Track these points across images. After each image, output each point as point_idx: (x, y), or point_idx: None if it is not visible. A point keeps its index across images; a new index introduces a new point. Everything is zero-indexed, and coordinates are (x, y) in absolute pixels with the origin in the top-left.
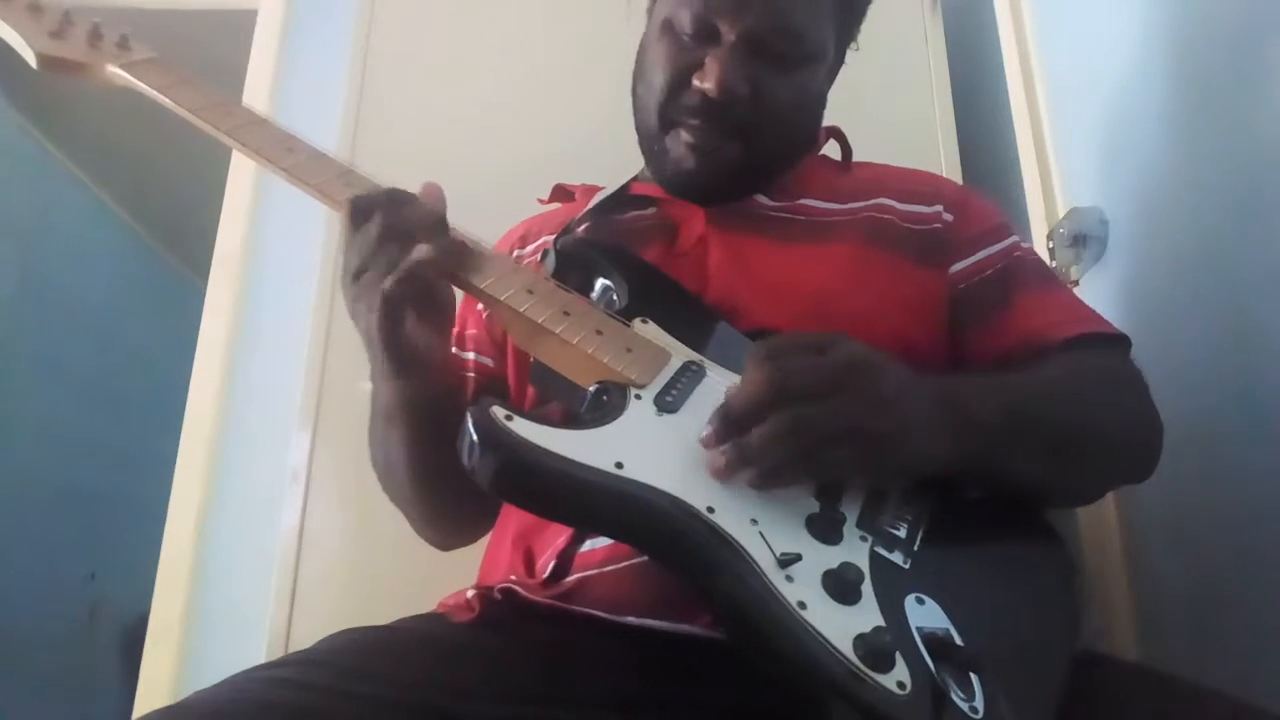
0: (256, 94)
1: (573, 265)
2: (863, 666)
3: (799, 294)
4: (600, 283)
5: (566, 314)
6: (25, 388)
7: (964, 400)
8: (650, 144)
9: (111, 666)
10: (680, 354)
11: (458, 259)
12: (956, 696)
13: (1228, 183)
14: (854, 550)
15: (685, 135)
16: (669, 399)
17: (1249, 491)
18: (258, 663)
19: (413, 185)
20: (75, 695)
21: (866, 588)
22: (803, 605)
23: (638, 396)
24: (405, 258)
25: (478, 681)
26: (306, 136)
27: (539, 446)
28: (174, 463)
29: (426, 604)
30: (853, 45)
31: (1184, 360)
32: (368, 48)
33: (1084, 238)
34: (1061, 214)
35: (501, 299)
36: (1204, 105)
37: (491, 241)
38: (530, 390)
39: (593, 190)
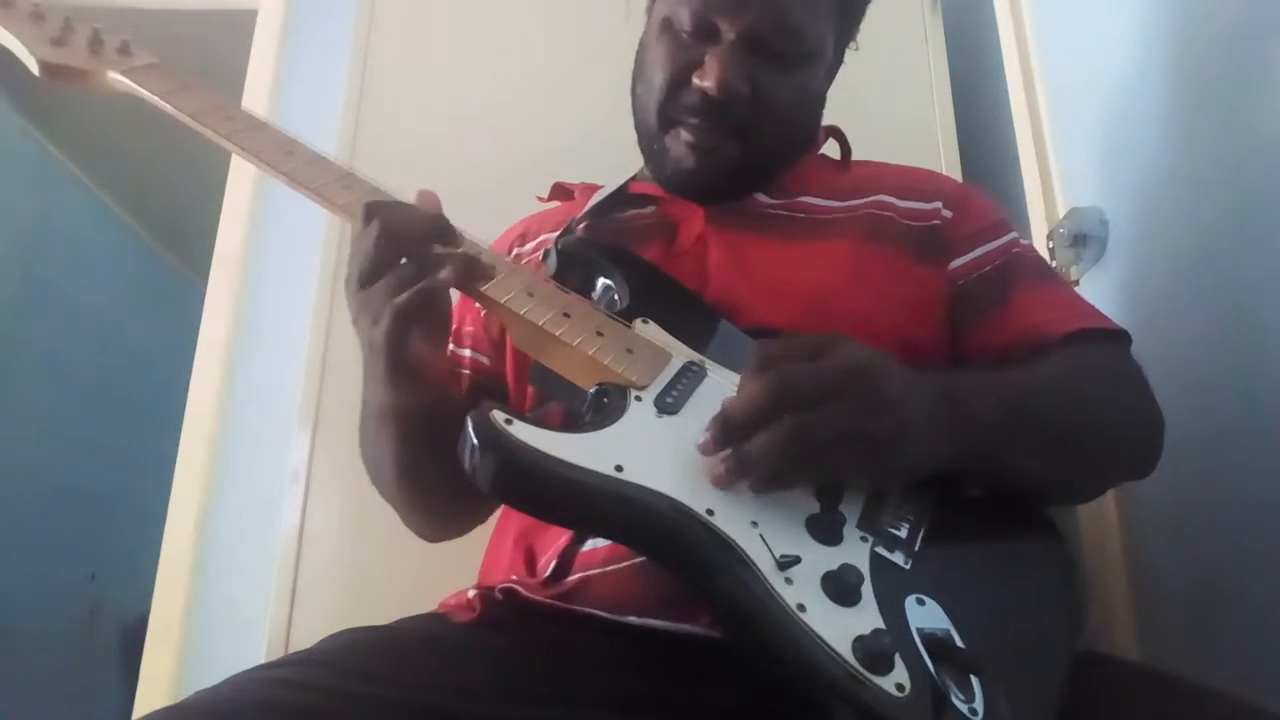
0: (256, 94)
1: (574, 265)
2: (861, 669)
3: (799, 292)
4: (601, 282)
5: (567, 316)
6: (25, 388)
7: (963, 398)
8: (650, 143)
9: (111, 666)
10: (681, 354)
11: (470, 273)
12: (956, 698)
13: (1227, 182)
14: (854, 551)
15: (685, 134)
16: (669, 400)
17: (1249, 490)
18: (258, 663)
19: (413, 185)
20: (75, 695)
21: (866, 589)
22: (802, 608)
23: (638, 398)
24: (418, 272)
25: (479, 681)
26: (306, 137)
27: (539, 450)
28: (174, 463)
29: (426, 604)
30: (852, 45)
31: (1184, 360)
32: (368, 48)
33: (1084, 238)
34: (1061, 214)
35: (502, 302)
36: (1204, 105)
37: (490, 241)
38: (530, 390)
39: (592, 189)
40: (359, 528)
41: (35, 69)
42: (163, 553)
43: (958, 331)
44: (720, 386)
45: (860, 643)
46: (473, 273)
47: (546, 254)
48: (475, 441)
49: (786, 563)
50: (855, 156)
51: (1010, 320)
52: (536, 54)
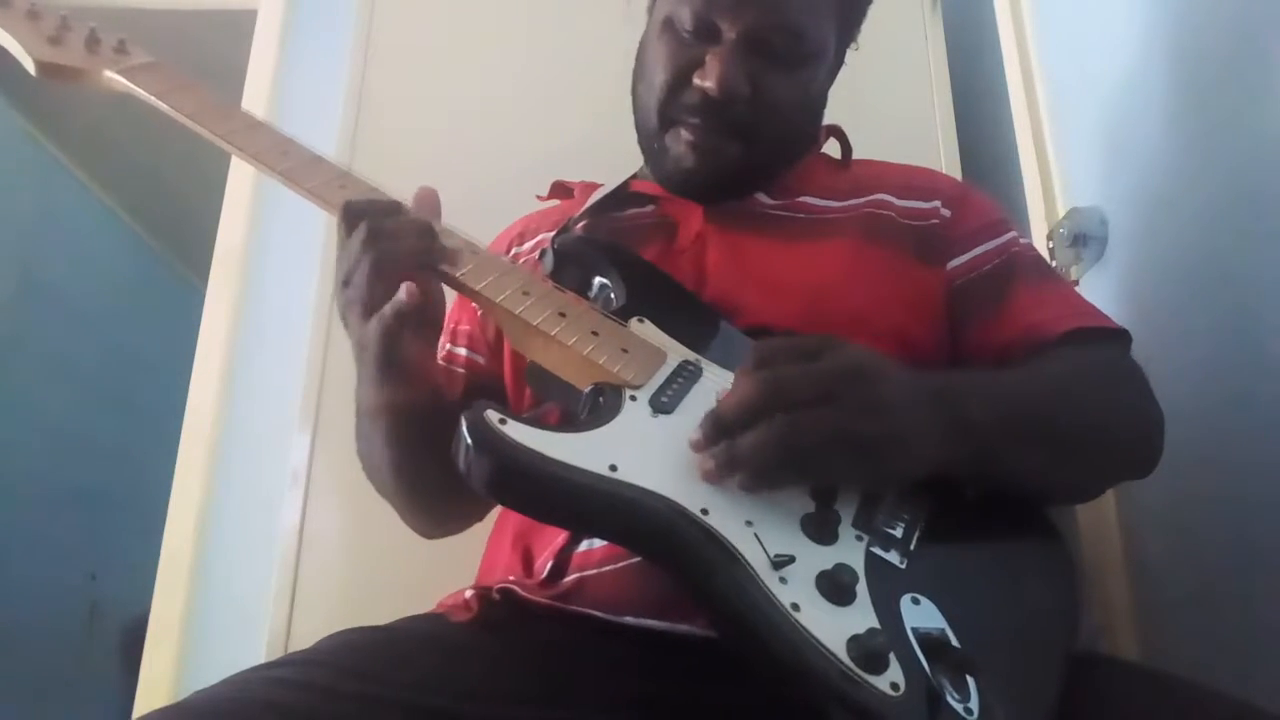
0: (256, 94)
1: (571, 263)
2: (856, 668)
3: (797, 291)
4: (598, 281)
5: (562, 315)
6: (26, 388)
7: (961, 399)
8: (650, 142)
9: (111, 666)
10: (676, 354)
11: (437, 259)
12: (951, 698)
13: (1227, 182)
14: (849, 551)
15: (685, 134)
16: (664, 400)
17: (1249, 490)
18: (258, 663)
19: (413, 185)
20: (75, 695)
21: (861, 589)
22: (796, 607)
23: (633, 398)
24: (391, 270)
25: (477, 681)
26: (306, 137)
27: (533, 450)
28: (174, 463)
29: (426, 604)
30: (853, 45)
31: (1184, 359)
32: (368, 48)
33: (1084, 238)
34: (1061, 214)
35: (497, 301)
36: (1204, 105)
37: (489, 240)
38: (527, 390)
39: (591, 187)
40: (359, 528)
41: (31, 68)
42: (163, 553)
43: (957, 330)
44: (716, 386)
45: (855, 642)
46: (441, 258)
47: (543, 253)
48: (469, 441)
49: (781, 562)
50: (855, 156)
51: (1009, 319)
52: (536, 54)
